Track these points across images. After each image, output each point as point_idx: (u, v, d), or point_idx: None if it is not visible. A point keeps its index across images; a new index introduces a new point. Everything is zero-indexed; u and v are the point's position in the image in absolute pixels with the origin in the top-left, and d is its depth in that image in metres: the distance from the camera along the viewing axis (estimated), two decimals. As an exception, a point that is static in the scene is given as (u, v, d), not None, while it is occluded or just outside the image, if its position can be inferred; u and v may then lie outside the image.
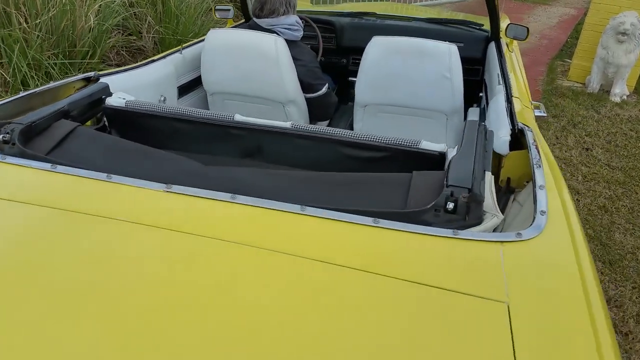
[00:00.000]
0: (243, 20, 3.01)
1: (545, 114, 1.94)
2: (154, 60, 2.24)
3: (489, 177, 1.15)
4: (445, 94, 2.07)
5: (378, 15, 3.15)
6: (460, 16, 3.39)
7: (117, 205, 1.02)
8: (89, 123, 1.80)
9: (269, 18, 2.23)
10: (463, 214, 1.04)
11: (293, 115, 2.32)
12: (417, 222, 1.03)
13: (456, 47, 2.01)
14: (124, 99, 1.72)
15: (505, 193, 1.46)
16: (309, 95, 2.37)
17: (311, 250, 0.89)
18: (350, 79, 2.93)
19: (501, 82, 2.06)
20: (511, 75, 2.19)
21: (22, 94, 1.61)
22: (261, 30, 2.25)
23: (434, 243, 0.93)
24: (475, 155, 1.22)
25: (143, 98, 2.09)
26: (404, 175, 1.23)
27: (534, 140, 1.41)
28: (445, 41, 2.85)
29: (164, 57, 2.29)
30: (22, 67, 2.90)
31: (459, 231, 0.95)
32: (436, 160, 1.39)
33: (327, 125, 2.71)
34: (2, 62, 2.97)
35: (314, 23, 2.87)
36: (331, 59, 3.11)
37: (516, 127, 1.54)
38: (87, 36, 3.49)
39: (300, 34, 2.27)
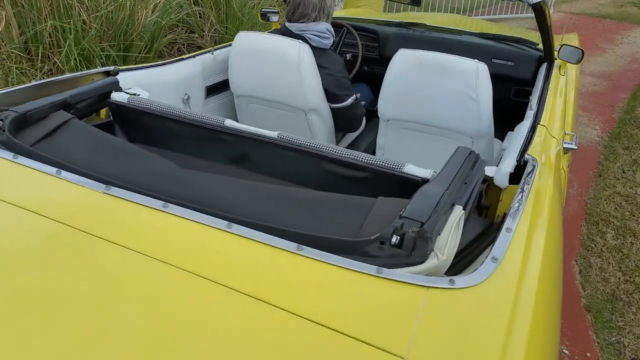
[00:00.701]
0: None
1: (575, 147, 1.76)
2: (182, 59, 2.28)
3: (457, 211, 1.05)
4: (469, 115, 1.94)
5: (427, 26, 3.04)
6: (518, 32, 3.19)
7: (101, 220, 1.01)
8: (102, 116, 1.86)
9: (299, 23, 2.20)
10: (409, 250, 0.95)
11: (315, 124, 2.28)
12: (360, 253, 0.95)
13: (485, 66, 1.88)
14: (134, 94, 1.75)
15: (497, 230, 1.34)
16: (334, 106, 2.31)
17: (220, 272, 0.84)
18: None
19: (533, 108, 1.91)
20: (549, 101, 2.03)
21: (35, 82, 1.67)
22: (291, 35, 2.23)
23: (354, 280, 0.85)
24: (450, 185, 1.12)
25: (164, 95, 2.13)
26: (369, 200, 1.15)
27: (531, 174, 1.27)
28: (495, 58, 2.71)
29: (193, 56, 2.32)
30: (72, 56, 3.06)
31: (384, 269, 0.87)
32: (419, 187, 1.29)
33: (357, 137, 2.64)
34: (59, 51, 3.15)
35: (355, 31, 2.81)
36: (374, 69, 3.04)
37: (522, 159, 1.40)
38: (146, 31, 3.63)
39: (329, 42, 2.23)
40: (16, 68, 2.95)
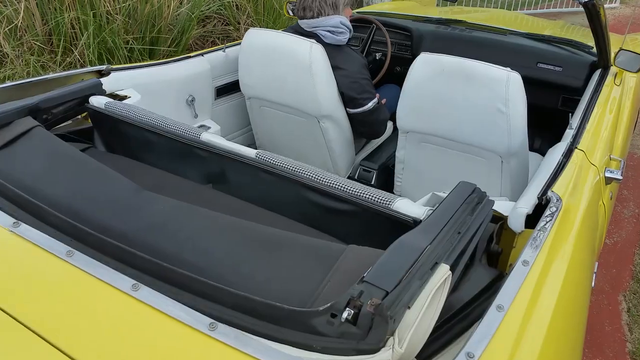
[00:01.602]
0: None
1: (620, 177, 1.47)
2: (189, 57, 2.13)
3: (440, 273, 0.83)
4: (498, 131, 1.69)
5: (468, 24, 2.75)
6: (574, 32, 2.85)
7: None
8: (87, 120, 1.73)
9: (310, 19, 2.00)
10: (364, 329, 0.74)
11: (330, 132, 2.08)
12: (306, 327, 0.76)
13: (517, 76, 1.62)
14: (124, 97, 1.61)
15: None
16: (352, 111, 2.11)
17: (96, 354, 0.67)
18: None
19: (573, 126, 1.63)
20: (595, 117, 1.74)
21: (13, 82, 1.56)
22: (303, 34, 2.03)
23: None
24: (437, 237, 0.90)
25: (164, 96, 1.99)
26: (339, 247, 0.95)
27: (550, 220, 1.03)
28: (541, 62, 2.40)
29: (201, 54, 2.17)
30: (90, 48, 2.98)
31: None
32: (410, 229, 1.07)
33: (381, 144, 2.41)
34: (76, 43, 3.08)
35: (384, 28, 2.57)
36: (407, 69, 2.79)
37: (544, 196, 1.16)
38: (175, 24, 3.52)
39: (345, 37, 2.01)
40: (37, 60, 2.90)
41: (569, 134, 1.59)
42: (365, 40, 2.65)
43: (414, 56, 2.72)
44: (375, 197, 1.11)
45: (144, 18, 3.26)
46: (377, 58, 2.70)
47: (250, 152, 1.28)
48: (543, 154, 2.80)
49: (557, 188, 1.20)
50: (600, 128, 1.72)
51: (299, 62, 1.93)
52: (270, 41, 2.00)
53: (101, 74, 1.80)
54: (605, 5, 9.13)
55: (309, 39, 1.93)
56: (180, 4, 3.50)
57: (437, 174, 1.99)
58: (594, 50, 2.35)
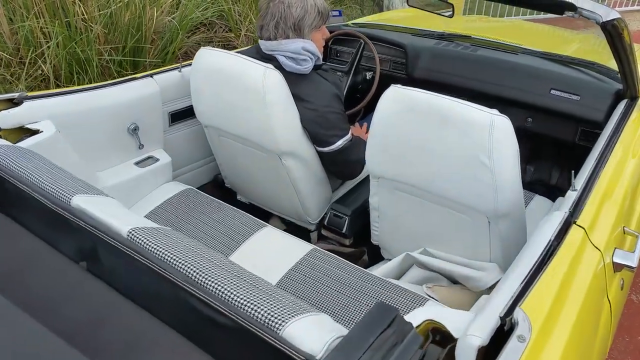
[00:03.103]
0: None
1: (635, 264, 1.10)
2: (134, 78, 1.84)
3: None
4: (481, 187, 1.34)
5: (474, 40, 2.38)
6: (601, 49, 2.44)
7: None
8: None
9: (266, 41, 1.69)
10: None
11: (295, 172, 1.76)
12: None
13: (506, 120, 1.27)
14: (35, 131, 1.33)
15: None
16: (319, 149, 1.78)
17: None
18: None
19: (577, 187, 1.27)
20: (609, 169, 1.37)
21: None
22: (262, 56, 1.72)
23: None
24: None
25: (95, 126, 1.72)
26: None
27: (517, 352, 0.70)
28: (555, 89, 2.02)
29: (149, 75, 1.88)
30: (53, 60, 2.74)
31: None
32: None
33: (358, 184, 2.06)
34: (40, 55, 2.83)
35: (371, 42, 2.24)
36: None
37: (507, 317, 0.81)
38: (162, 32, 3.27)
39: (308, 66, 1.69)
40: (3, 74, 2.68)
41: (569, 197, 1.23)
42: (353, 57, 2.32)
43: (409, 76, 2.38)
44: (263, 316, 0.78)
45: (124, 26, 3.00)
46: (368, 78, 2.37)
47: (122, 227, 0.97)
48: (562, 191, 2.42)
49: (534, 300, 0.85)
50: (616, 186, 1.34)
51: (251, 90, 1.63)
52: (220, 63, 1.70)
53: (13, 102, 1.53)
54: (630, 7, 8.52)
55: (265, 64, 1.62)
56: (169, 11, 3.23)
57: (416, 226, 1.65)
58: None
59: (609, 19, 1.48)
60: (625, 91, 1.83)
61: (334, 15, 2.52)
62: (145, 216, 1.76)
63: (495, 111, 1.28)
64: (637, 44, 3.05)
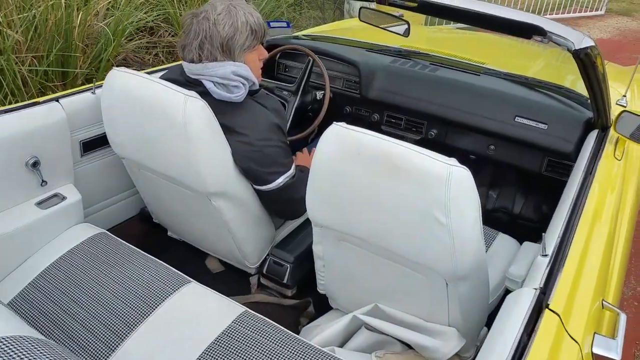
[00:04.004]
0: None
1: (617, 358, 0.89)
2: (36, 102, 1.55)
3: None
4: (437, 247, 1.12)
5: (433, 58, 2.18)
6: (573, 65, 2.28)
7: None
8: None
9: (190, 63, 1.43)
10: None
11: (225, 212, 1.52)
12: None
13: (466, 173, 1.05)
14: None
15: None
16: (256, 187, 1.54)
17: None
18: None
19: (548, 251, 1.07)
20: (584, 224, 1.18)
21: None
22: (187, 81, 1.47)
23: None
24: None
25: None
26: None
27: None
28: (520, 116, 1.83)
29: (54, 99, 1.59)
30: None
31: None
32: None
33: (302, 222, 1.82)
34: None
35: (319, 59, 2.00)
36: (360, 110, 2.22)
37: None
38: (97, 38, 2.94)
39: (240, 93, 1.44)
40: None
41: (539, 266, 1.02)
42: (301, 75, 2.08)
43: (363, 96, 2.16)
44: None
45: (49, 33, 2.67)
46: (318, 98, 2.13)
47: None
48: (532, 222, 2.24)
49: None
50: (593, 246, 1.14)
51: (170, 122, 1.37)
52: (134, 89, 1.43)
53: None
54: (590, 14, 8.60)
55: (186, 91, 1.36)
56: (111, 12, 2.90)
57: (366, 281, 1.42)
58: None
59: (581, 46, 1.29)
60: (596, 121, 1.65)
61: (280, 27, 2.28)
62: (43, 270, 1.48)
63: (453, 161, 1.06)
64: (606, 61, 2.92)
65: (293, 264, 1.60)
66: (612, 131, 1.59)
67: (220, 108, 1.45)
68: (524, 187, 2.24)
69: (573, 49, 1.29)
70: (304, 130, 2.47)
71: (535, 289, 0.95)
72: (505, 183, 2.30)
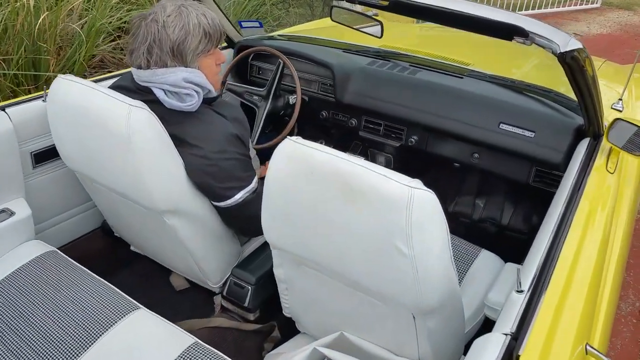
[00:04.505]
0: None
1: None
2: (-21, 113, 1.43)
3: None
4: (401, 278, 0.99)
5: (413, 59, 2.04)
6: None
7: None
8: None
9: (138, 70, 1.31)
10: None
11: (182, 231, 1.40)
12: None
13: (431, 196, 0.93)
14: None
15: None
16: (214, 204, 1.41)
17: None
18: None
19: (524, 287, 0.94)
20: (567, 253, 1.05)
21: None
22: (136, 88, 1.34)
23: None
24: None
25: None
26: None
27: None
28: (504, 123, 1.69)
29: (0, 107, 1.47)
30: None
31: None
32: None
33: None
34: None
35: (289, 61, 1.87)
36: (337, 115, 2.08)
37: None
38: (71, 39, 2.82)
39: (193, 102, 1.31)
40: None
41: (513, 303, 0.89)
42: (272, 78, 1.94)
43: (338, 101, 2.03)
44: None
45: (17, 35, 2.54)
46: (291, 102, 2.00)
47: None
48: (522, 233, 2.11)
49: None
50: (577, 279, 1.01)
51: (112, 134, 1.25)
52: (77, 98, 1.31)
53: None
54: (585, 6, 8.39)
55: (131, 100, 1.23)
56: (87, 13, 2.77)
57: (331, 307, 1.30)
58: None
59: (567, 49, 1.15)
60: (587, 128, 1.52)
61: (252, 27, 2.15)
62: None
63: (416, 182, 0.93)
64: (598, 59, 2.78)
65: (255, 286, 1.47)
66: (604, 141, 1.45)
67: (173, 118, 1.32)
68: (512, 196, 2.11)
69: (558, 51, 1.16)
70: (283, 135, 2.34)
71: (506, 334, 0.82)
72: (492, 192, 2.16)
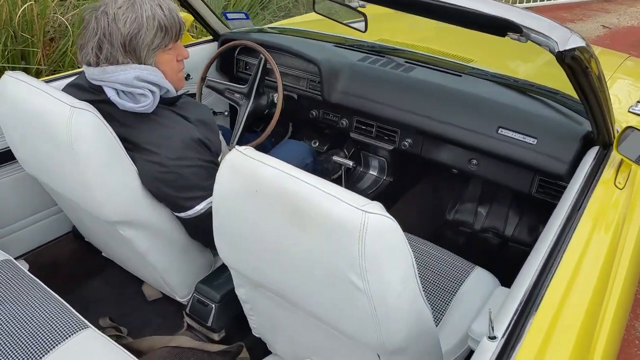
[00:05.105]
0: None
1: None
2: None
3: None
4: (359, 315, 0.85)
5: (409, 54, 1.88)
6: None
7: None
8: None
9: (89, 67, 1.18)
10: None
11: (140, 243, 1.29)
12: None
13: (391, 223, 0.79)
14: None
15: None
16: (176, 214, 1.29)
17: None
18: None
19: (497, 332, 0.79)
20: (553, 293, 0.90)
21: None
22: (88, 87, 1.22)
23: None
24: None
25: None
26: None
27: None
28: (503, 128, 1.52)
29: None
30: None
31: None
32: None
33: None
34: None
35: (270, 56, 1.73)
36: (328, 114, 1.94)
37: None
38: (64, 31, 2.72)
39: (147, 103, 1.19)
40: None
41: (483, 352, 0.75)
42: (254, 74, 1.81)
43: (325, 100, 1.88)
44: None
45: (3, 27, 2.45)
46: (275, 101, 1.86)
47: None
48: (527, 245, 1.95)
49: None
50: (561, 324, 0.86)
51: (54, 138, 1.13)
52: (23, 98, 1.20)
53: None
54: None
55: (76, 101, 1.12)
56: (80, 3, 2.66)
57: (296, 334, 1.16)
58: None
59: (567, 48, 0.99)
60: (596, 136, 1.35)
61: (238, 18, 2.01)
62: None
63: (373, 206, 0.78)
64: (621, 54, 2.56)
65: (219, 304, 1.35)
66: (614, 151, 1.28)
67: (126, 120, 1.21)
68: (518, 205, 1.94)
69: (556, 50, 1.00)
70: (272, 136, 2.21)
71: None
72: (496, 199, 2.00)
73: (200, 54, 1.99)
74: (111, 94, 1.18)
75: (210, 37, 2.07)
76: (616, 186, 1.23)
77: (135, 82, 1.17)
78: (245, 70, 2.04)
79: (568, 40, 1.00)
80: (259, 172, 0.88)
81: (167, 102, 1.27)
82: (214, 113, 2.16)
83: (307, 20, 2.67)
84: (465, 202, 2.09)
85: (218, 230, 1.04)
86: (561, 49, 0.99)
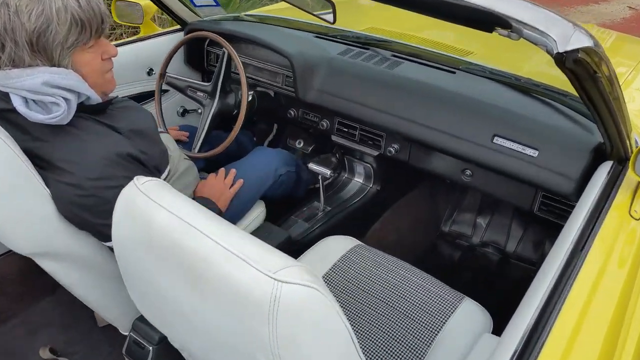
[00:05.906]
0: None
1: None
2: None
3: None
4: None
5: (397, 46, 1.65)
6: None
7: None
8: None
9: None
10: None
11: (63, 277, 1.13)
12: None
13: (314, 295, 0.57)
14: None
15: None
16: (104, 243, 1.11)
17: None
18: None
19: None
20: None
21: None
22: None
23: None
24: None
25: None
26: None
27: None
28: (499, 136, 1.29)
29: None
30: None
31: None
32: None
33: None
34: None
35: (232, 48, 1.52)
36: (307, 114, 1.73)
37: None
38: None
39: (60, 113, 0.99)
40: None
41: None
42: (217, 70, 1.60)
43: (299, 98, 1.66)
44: None
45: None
46: (249, 99, 1.65)
47: None
48: (531, 264, 1.74)
49: None
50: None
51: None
52: None
53: None
54: None
55: None
56: None
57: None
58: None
59: (568, 49, 0.76)
60: (610, 150, 1.11)
61: (208, 5, 1.79)
62: None
63: (294, 271, 0.58)
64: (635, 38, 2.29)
65: (157, 347, 1.15)
66: (630, 171, 1.05)
67: (40, 134, 1.02)
68: (521, 217, 1.72)
69: (554, 52, 0.77)
70: (255, 135, 2.02)
71: None
72: (497, 210, 1.77)
73: (166, 44, 1.78)
74: (17, 103, 0.98)
75: (179, 27, 1.86)
76: (631, 216, 1.00)
77: (43, 89, 0.97)
78: (217, 64, 1.83)
79: (570, 38, 0.77)
80: (152, 220, 0.68)
81: (91, 111, 1.07)
82: (185, 111, 1.95)
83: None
84: (463, 212, 1.86)
85: (125, 277, 0.85)
86: (561, 50, 0.77)
